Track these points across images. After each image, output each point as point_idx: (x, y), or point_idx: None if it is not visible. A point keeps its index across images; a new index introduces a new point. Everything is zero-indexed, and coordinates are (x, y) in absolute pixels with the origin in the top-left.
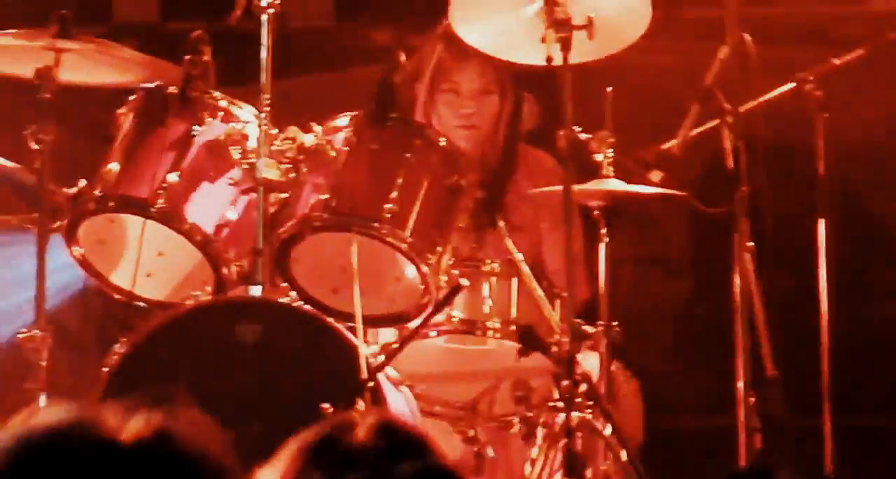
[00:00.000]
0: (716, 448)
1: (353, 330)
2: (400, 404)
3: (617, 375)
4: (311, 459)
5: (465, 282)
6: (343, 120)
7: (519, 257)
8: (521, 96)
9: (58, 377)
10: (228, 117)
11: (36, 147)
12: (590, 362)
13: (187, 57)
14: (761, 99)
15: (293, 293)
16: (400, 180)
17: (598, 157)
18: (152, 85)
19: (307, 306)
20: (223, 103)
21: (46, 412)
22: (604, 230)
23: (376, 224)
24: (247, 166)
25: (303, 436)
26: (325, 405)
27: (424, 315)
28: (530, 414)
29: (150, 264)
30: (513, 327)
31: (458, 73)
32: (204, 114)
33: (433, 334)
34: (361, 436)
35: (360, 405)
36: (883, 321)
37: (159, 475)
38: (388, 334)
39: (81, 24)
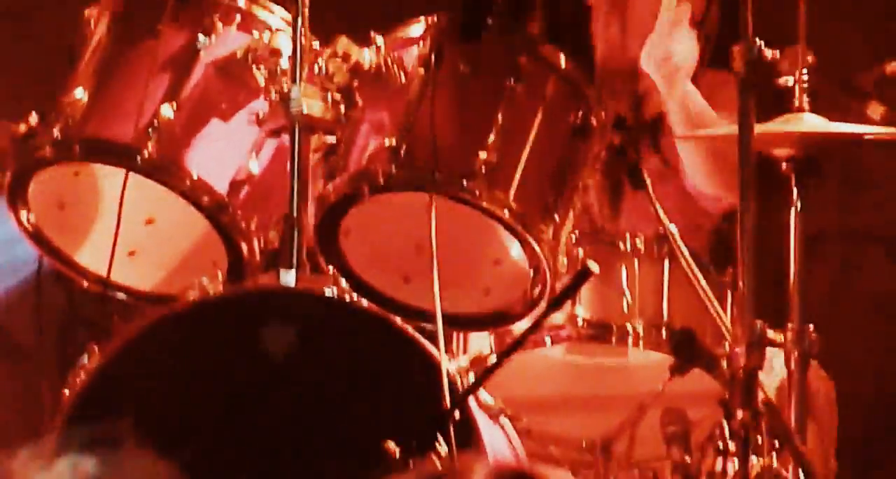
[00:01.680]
0: None
1: (431, 336)
2: (499, 443)
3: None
4: None
5: (594, 266)
6: (416, 29)
7: (673, 229)
8: None
9: None
10: (249, 24)
11: None
12: (775, 367)
13: None
14: None
15: (344, 283)
16: (500, 118)
17: (789, 82)
18: None
19: (364, 302)
20: (241, 3)
21: None
22: (795, 192)
23: (466, 182)
24: (276, 97)
25: None
26: (392, 446)
27: (535, 315)
28: (688, 459)
29: (135, 237)
30: (664, 333)
31: None
32: (213, 18)
33: (548, 341)
34: None
35: (442, 445)
36: None
37: None
38: (482, 342)
39: None
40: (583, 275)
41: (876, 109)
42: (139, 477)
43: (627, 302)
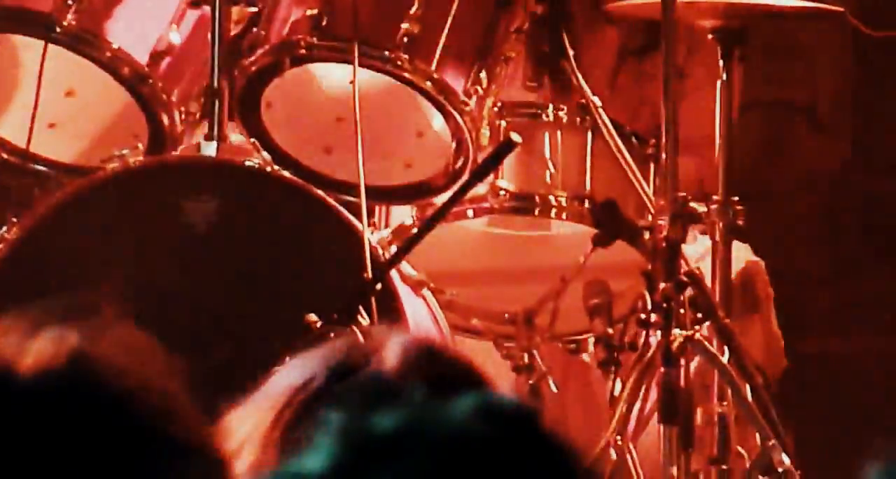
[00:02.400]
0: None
1: (353, 208)
2: (421, 315)
3: (748, 270)
4: (314, 399)
5: (516, 137)
6: None
7: (596, 100)
8: None
9: None
10: None
11: None
12: (698, 249)
13: None
14: None
15: (266, 154)
16: None
17: None
18: None
19: (286, 173)
20: None
21: None
22: (721, 63)
23: (387, 53)
24: None
25: (293, 365)
26: (312, 318)
27: (458, 186)
28: (611, 331)
29: (54, 109)
30: (586, 204)
31: None
32: None
33: (470, 213)
34: (390, 364)
35: (363, 316)
36: None
37: (74, 422)
38: (404, 214)
39: None
40: (505, 146)
41: None
42: (121, 346)
43: (550, 174)
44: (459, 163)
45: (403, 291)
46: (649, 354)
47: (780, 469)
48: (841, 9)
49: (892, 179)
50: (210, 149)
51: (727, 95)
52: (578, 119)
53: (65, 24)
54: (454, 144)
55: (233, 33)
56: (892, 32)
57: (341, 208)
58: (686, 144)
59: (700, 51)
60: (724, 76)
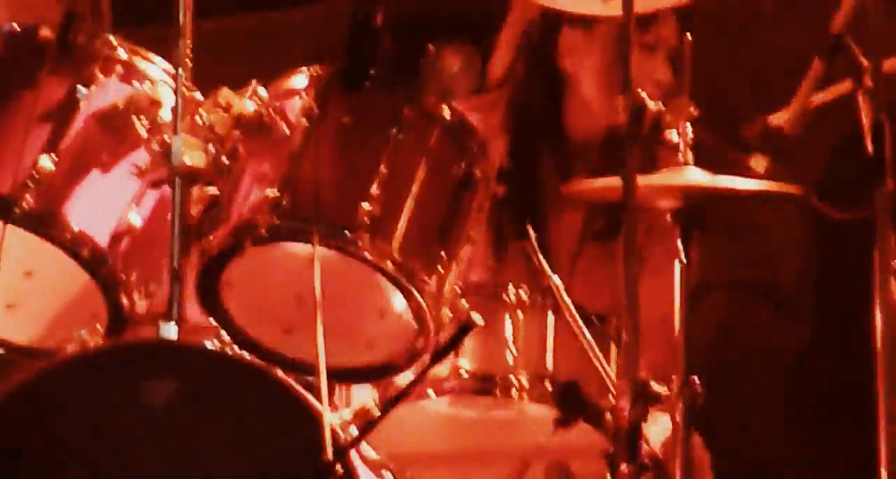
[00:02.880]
0: None
1: (313, 389)
2: None
3: (697, 451)
4: None
5: (478, 318)
6: (299, 79)
7: (557, 281)
8: None
9: None
10: (130, 75)
11: None
12: (658, 428)
13: None
14: None
15: (225, 335)
16: (384, 169)
17: (673, 135)
18: (16, 25)
19: (246, 354)
20: (122, 54)
21: None
22: (680, 244)
23: (349, 233)
24: (157, 148)
25: None
26: None
27: (419, 367)
28: None
29: (13, 290)
30: (548, 385)
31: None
32: (94, 69)
33: (431, 394)
34: None
35: None
36: None
37: None
38: (365, 395)
39: None
40: (466, 327)
41: (760, 162)
42: None
43: (512, 354)
44: (421, 343)
45: (364, 473)
46: None
47: None
48: (801, 190)
49: (852, 360)
50: (169, 330)
51: (686, 276)
52: (539, 299)
53: (23, 204)
54: (415, 325)
55: (193, 214)
56: (852, 214)
57: (301, 389)
58: (646, 326)
59: (660, 232)
60: (683, 257)
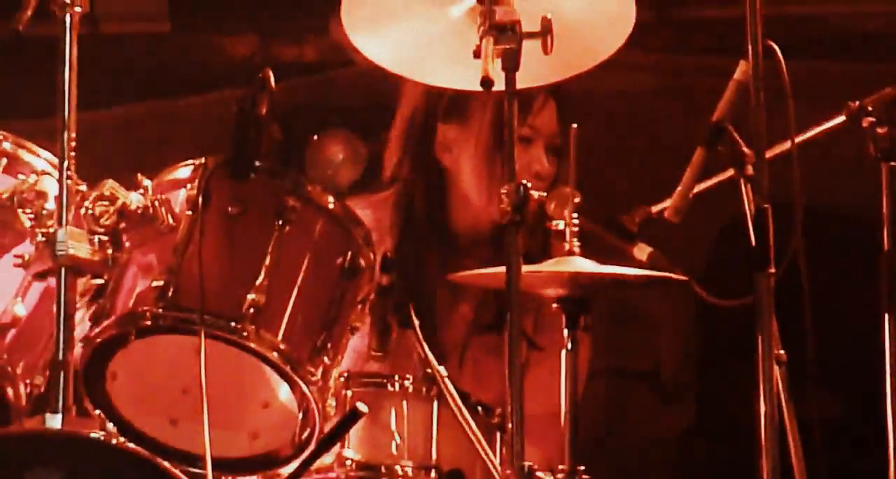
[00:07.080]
0: None
1: None
2: None
3: None
4: None
5: (362, 407)
6: (184, 171)
7: (442, 370)
8: None
9: None
10: (14, 166)
11: None
12: None
13: None
14: (798, 139)
15: (111, 426)
16: (268, 260)
17: (558, 224)
18: None
19: (131, 445)
20: (7, 146)
21: None
22: (566, 332)
23: (234, 324)
24: (42, 239)
25: None
26: None
27: (304, 456)
28: None
29: None
30: (433, 474)
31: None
32: None
33: None
34: None
35: None
36: None
37: None
38: None
39: None
40: (352, 417)
41: (643, 250)
42: None
43: (396, 443)
44: (306, 433)
45: None
46: None
47: None
48: (685, 277)
49: (733, 444)
50: (55, 421)
51: (572, 364)
52: (424, 389)
53: None
54: (301, 415)
55: (78, 305)
56: (734, 301)
57: None
58: (532, 415)
59: (549, 322)
60: (569, 345)
